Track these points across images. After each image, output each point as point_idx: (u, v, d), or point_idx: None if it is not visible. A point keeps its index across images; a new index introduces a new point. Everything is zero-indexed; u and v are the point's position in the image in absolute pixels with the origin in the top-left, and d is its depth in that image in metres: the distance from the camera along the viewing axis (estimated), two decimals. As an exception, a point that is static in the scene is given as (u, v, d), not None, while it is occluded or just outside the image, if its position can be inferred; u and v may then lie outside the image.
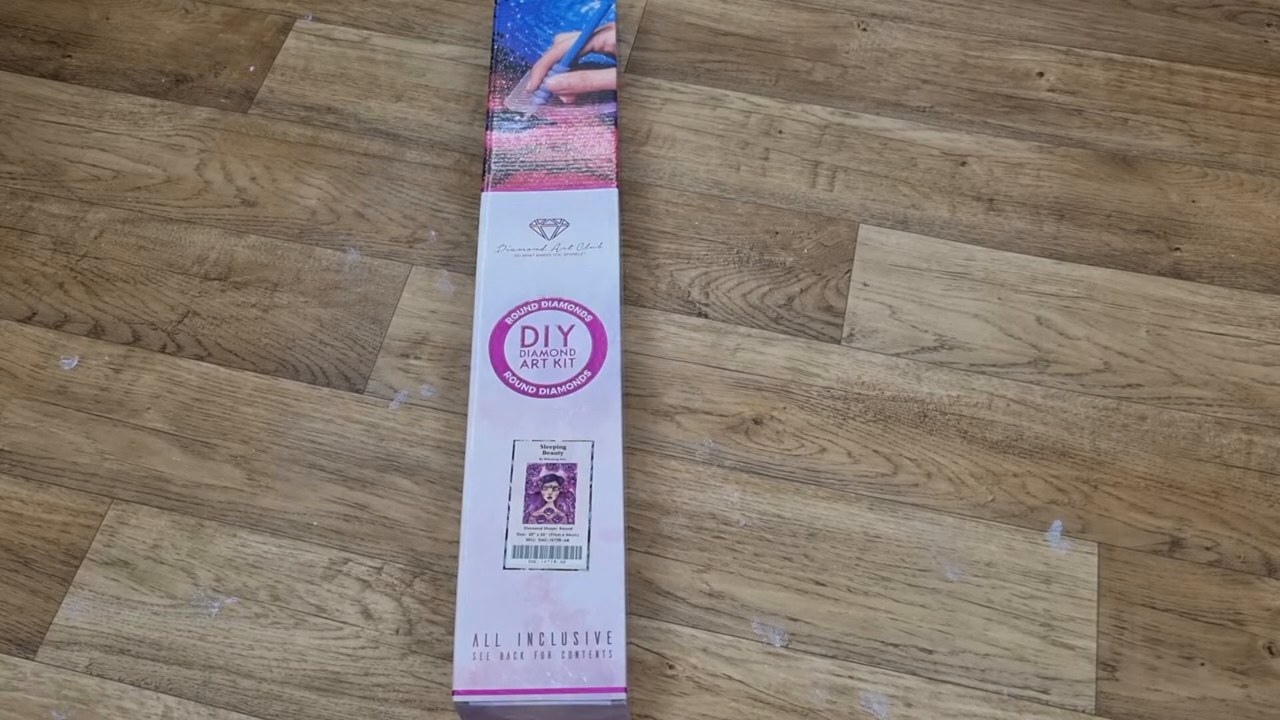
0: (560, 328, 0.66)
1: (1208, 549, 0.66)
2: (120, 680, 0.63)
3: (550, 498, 0.60)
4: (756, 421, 0.70)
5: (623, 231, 0.78)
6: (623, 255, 0.77)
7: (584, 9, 0.81)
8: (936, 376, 0.72)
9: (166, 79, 0.86)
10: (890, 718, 0.61)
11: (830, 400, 0.71)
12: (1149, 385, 0.71)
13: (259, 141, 0.83)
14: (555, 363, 0.64)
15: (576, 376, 0.64)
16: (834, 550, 0.66)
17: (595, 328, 0.66)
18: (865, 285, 0.75)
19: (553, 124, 0.75)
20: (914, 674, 0.62)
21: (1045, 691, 0.62)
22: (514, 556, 0.59)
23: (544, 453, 0.61)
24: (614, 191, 0.72)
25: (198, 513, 0.68)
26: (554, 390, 0.63)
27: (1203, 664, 0.62)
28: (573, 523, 0.60)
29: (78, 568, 0.66)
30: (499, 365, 0.64)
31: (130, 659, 0.63)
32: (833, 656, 0.63)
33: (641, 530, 0.67)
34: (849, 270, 0.76)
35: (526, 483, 0.61)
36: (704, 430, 0.70)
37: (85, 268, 0.77)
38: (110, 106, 0.85)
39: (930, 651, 0.63)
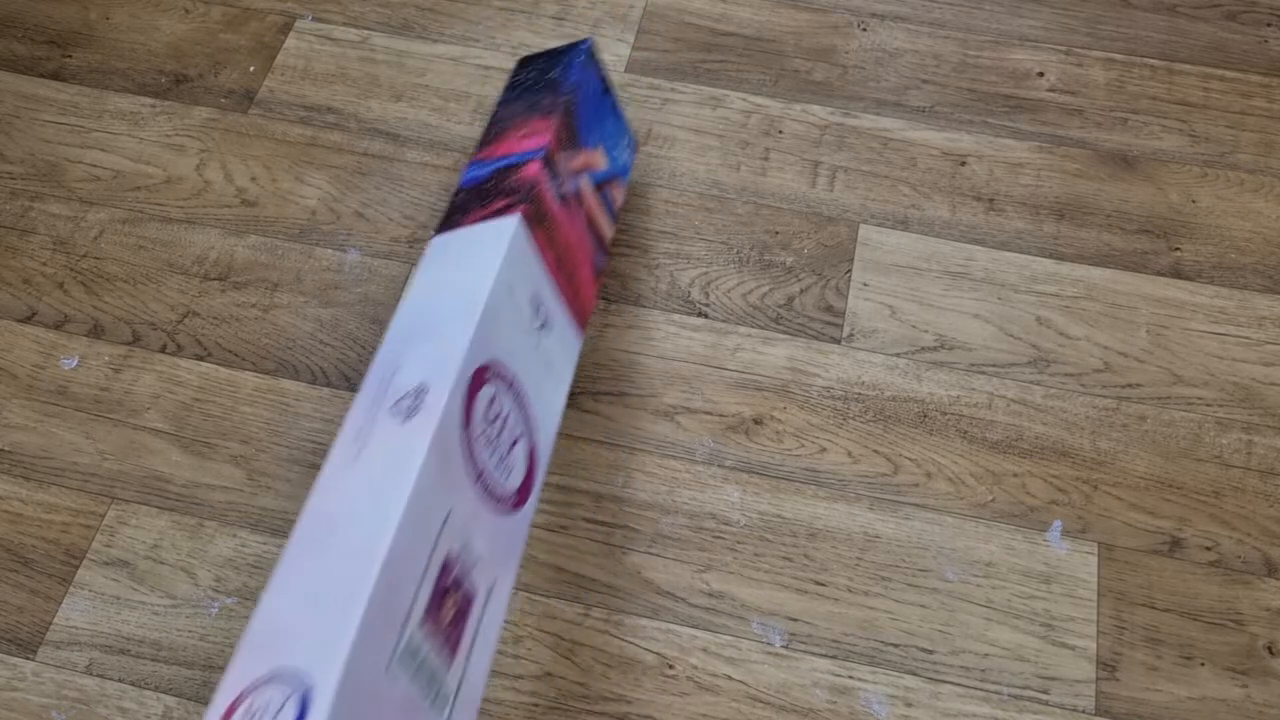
0: (510, 426, 0.52)
1: (1208, 549, 0.66)
2: (120, 680, 0.63)
3: (449, 614, 0.46)
4: (756, 421, 0.70)
5: (618, 227, 0.78)
6: (623, 255, 0.77)
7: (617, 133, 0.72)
8: (936, 376, 0.72)
9: (166, 79, 0.86)
10: (890, 718, 0.61)
11: (830, 400, 0.71)
12: (1149, 385, 0.71)
13: (259, 141, 0.83)
14: (500, 461, 0.51)
15: (507, 494, 0.51)
16: (834, 550, 0.66)
17: (533, 456, 0.53)
18: (865, 285, 0.75)
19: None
20: (914, 674, 0.62)
21: (1045, 691, 0.61)
22: (403, 658, 0.43)
23: (462, 552, 0.47)
24: (577, 342, 0.62)
25: (198, 513, 0.68)
26: (492, 492, 0.50)
27: (1203, 664, 0.62)
28: (451, 659, 0.45)
29: (78, 568, 0.66)
30: (466, 417, 0.50)
31: (130, 659, 0.63)
32: (833, 656, 0.63)
33: (641, 530, 0.67)
34: (849, 270, 0.76)
35: (440, 574, 0.45)
36: (704, 430, 0.70)
37: (85, 268, 0.77)
38: (110, 106, 0.85)
39: (930, 651, 0.63)
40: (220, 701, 0.38)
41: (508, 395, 0.52)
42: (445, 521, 0.46)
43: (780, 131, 0.82)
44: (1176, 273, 0.75)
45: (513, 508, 0.51)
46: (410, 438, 0.46)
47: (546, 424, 0.56)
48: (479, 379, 0.51)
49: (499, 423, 0.51)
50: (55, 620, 0.64)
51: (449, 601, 0.46)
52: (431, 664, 0.43)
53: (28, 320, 0.75)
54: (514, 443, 0.52)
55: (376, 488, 0.44)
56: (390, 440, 0.46)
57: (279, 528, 0.67)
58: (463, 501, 0.48)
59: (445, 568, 0.46)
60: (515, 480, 0.52)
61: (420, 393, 0.48)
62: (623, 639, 0.63)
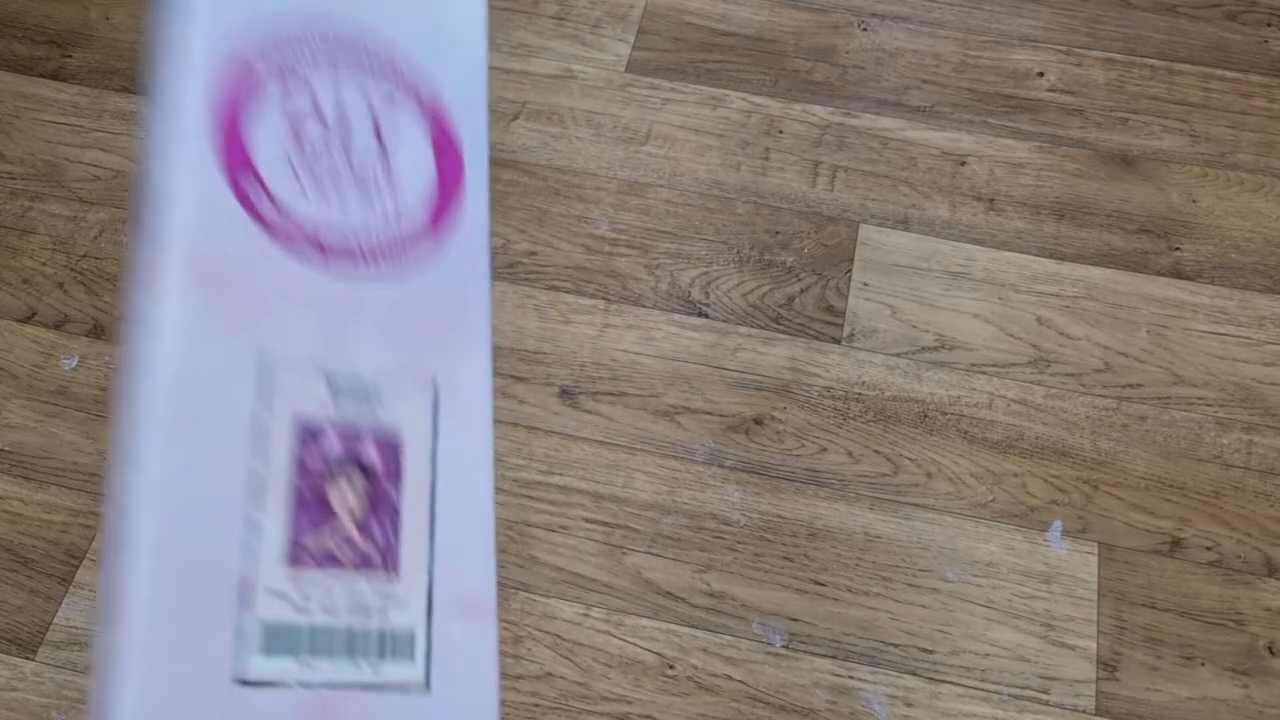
0: (371, 110, 0.31)
1: (1208, 549, 0.65)
2: (120, 680, 0.63)
3: (349, 509, 0.29)
4: (757, 421, 0.70)
5: (618, 227, 0.78)
6: (623, 255, 0.77)
7: None
8: (937, 376, 0.72)
9: (166, 79, 0.86)
10: (890, 718, 0.61)
11: (830, 400, 0.71)
12: (1149, 385, 0.71)
13: (259, 141, 0.83)
14: (357, 189, 0.31)
15: (401, 229, 0.31)
16: (834, 550, 0.66)
17: (440, 132, 0.32)
18: (865, 285, 0.75)
19: None
20: (914, 674, 0.62)
21: (1045, 691, 0.61)
22: (264, 651, 0.27)
23: (334, 397, 0.29)
24: None
25: (198, 513, 0.68)
26: (356, 250, 0.30)
27: (1203, 664, 0.62)
28: (396, 572, 0.29)
29: (78, 567, 0.66)
30: (233, 156, 0.29)
31: (130, 659, 0.63)
32: (833, 656, 0.62)
33: (641, 530, 0.67)
34: (849, 270, 0.76)
35: (297, 467, 0.28)
36: (704, 430, 0.70)
37: (85, 268, 0.77)
38: (110, 106, 0.85)
39: (930, 651, 0.63)
40: None
41: (324, 75, 0.31)
42: (258, 381, 0.28)
43: (780, 131, 0.82)
44: (1177, 273, 0.75)
45: (430, 236, 0.31)
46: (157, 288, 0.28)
47: (459, 75, 0.33)
48: (243, 80, 0.30)
49: (330, 131, 0.30)
50: (55, 620, 0.64)
51: (339, 490, 0.29)
52: (338, 617, 0.28)
53: (28, 320, 0.75)
54: (379, 131, 0.31)
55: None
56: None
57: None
58: (292, 308, 0.29)
59: (305, 449, 0.28)
60: (410, 196, 0.31)
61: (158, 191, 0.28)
62: (623, 639, 0.63)
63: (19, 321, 0.75)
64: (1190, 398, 0.71)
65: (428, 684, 0.29)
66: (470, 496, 0.31)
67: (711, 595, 0.65)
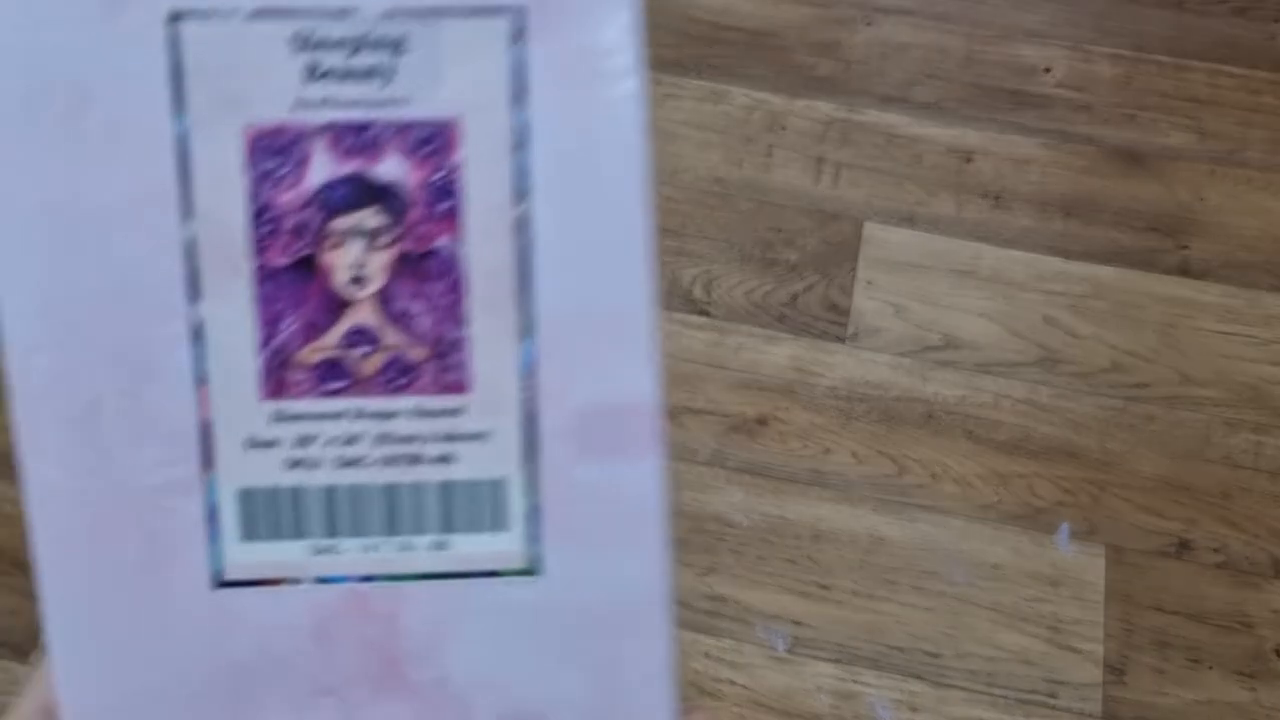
0: None
1: (1216, 551, 0.65)
2: (115, 684, 0.62)
3: (361, 281, 0.19)
4: (760, 422, 0.70)
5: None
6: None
7: None
8: (942, 376, 0.71)
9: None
10: (896, 723, 0.61)
11: (835, 400, 0.70)
12: (1157, 385, 0.71)
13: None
14: None
15: None
16: (838, 553, 0.65)
17: None
18: (870, 283, 0.75)
19: None
20: (920, 678, 0.62)
21: (1053, 695, 0.61)
22: (245, 534, 0.19)
23: (311, 75, 0.18)
24: None
25: (193, 514, 0.67)
26: None
27: (1210, 667, 0.62)
28: (462, 381, 0.19)
29: (72, 570, 0.65)
30: None
31: (125, 663, 0.63)
32: (837, 661, 0.62)
33: (643, 532, 0.66)
34: (853, 268, 0.75)
35: (259, 219, 0.18)
36: (706, 431, 0.69)
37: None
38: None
39: (936, 655, 0.62)
40: None
41: None
42: (176, 60, 0.18)
43: (783, 127, 0.81)
44: (1185, 271, 0.75)
45: None
46: None
47: None
48: None
49: None
50: (49, 623, 0.63)
51: (341, 254, 0.18)
52: (365, 453, 0.19)
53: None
54: None
55: None
56: None
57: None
58: None
59: (268, 183, 0.18)
60: None
61: None
62: (625, 643, 0.62)
63: (12, 319, 0.74)
64: (1198, 398, 0.70)
65: (536, 564, 0.19)
66: (605, 221, 0.18)
67: (714, 599, 0.64)
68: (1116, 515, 0.66)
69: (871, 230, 0.77)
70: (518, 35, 0.18)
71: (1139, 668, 0.62)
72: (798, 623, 0.63)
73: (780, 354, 0.72)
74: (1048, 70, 0.84)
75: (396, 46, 0.18)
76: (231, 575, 0.18)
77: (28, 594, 0.65)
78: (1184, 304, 0.74)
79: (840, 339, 0.73)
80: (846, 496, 0.67)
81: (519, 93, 0.18)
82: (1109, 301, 0.74)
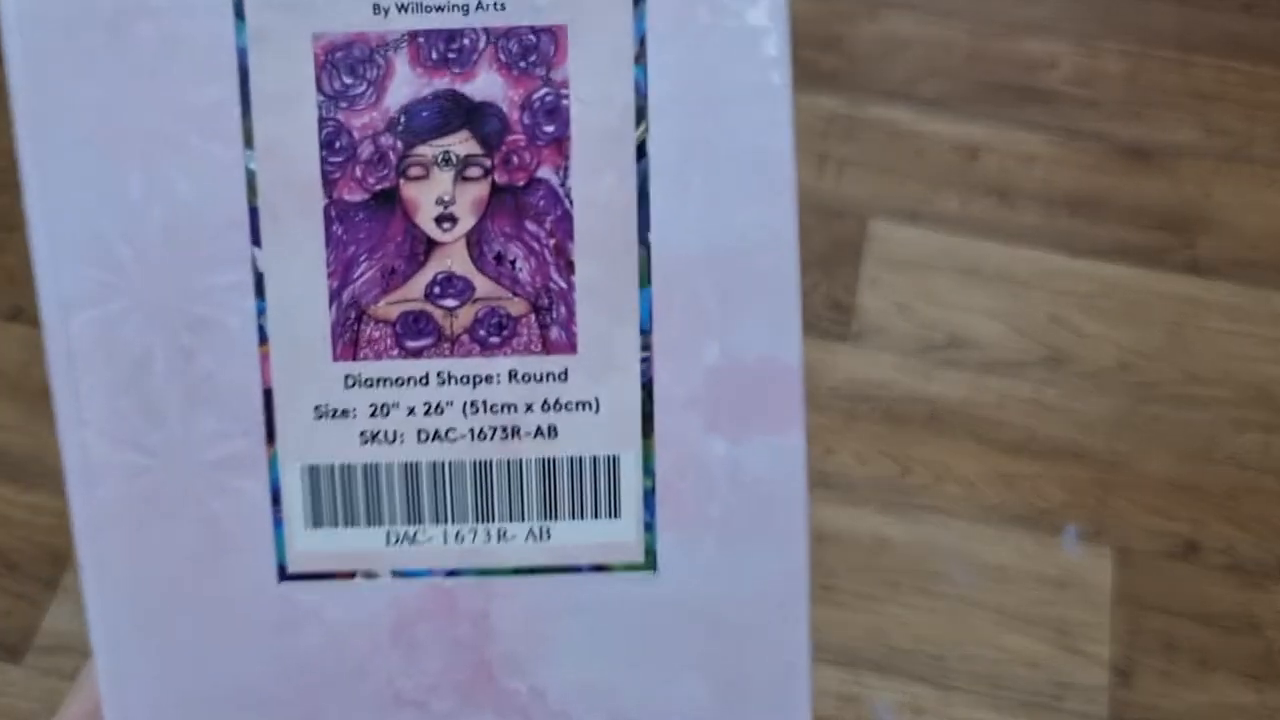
0: None
1: (1223, 552, 0.65)
2: (110, 687, 0.62)
3: (451, 220, 0.16)
4: (762, 421, 0.70)
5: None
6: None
7: None
8: (947, 376, 0.71)
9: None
10: (900, 727, 0.61)
11: (838, 400, 0.70)
12: (1165, 384, 0.71)
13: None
14: None
15: None
16: (841, 554, 0.65)
17: None
18: (874, 282, 0.74)
19: None
20: (923, 681, 0.61)
21: (1058, 698, 0.61)
22: (313, 519, 0.17)
23: None
24: None
25: (189, 514, 0.67)
26: None
27: (1218, 670, 0.61)
28: (567, 340, 0.17)
29: (65, 571, 0.65)
30: None
31: (120, 665, 0.62)
32: (840, 663, 0.62)
33: (644, 533, 0.66)
34: (857, 266, 0.75)
35: (329, 150, 0.16)
36: (708, 430, 0.69)
37: (74, 262, 0.76)
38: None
39: (940, 658, 0.62)
40: None
41: None
42: None
43: (786, 123, 0.81)
44: (1193, 269, 0.75)
45: None
46: None
47: None
48: None
49: None
50: (42, 625, 0.63)
51: (426, 187, 0.16)
52: (454, 425, 0.16)
53: (14, 319, 0.74)
54: None
55: None
56: None
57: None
58: None
59: (341, 109, 0.16)
60: None
61: None
62: (625, 646, 0.62)
63: (4, 320, 0.74)
64: (1206, 397, 0.70)
65: (653, 557, 0.17)
66: (739, 151, 0.16)
67: (716, 600, 0.64)
68: (1123, 516, 0.66)
69: (876, 228, 0.77)
70: None
71: (1145, 670, 0.62)
72: (801, 625, 0.63)
73: (783, 353, 0.72)
74: (1054, 66, 0.84)
75: None
76: (297, 567, 0.16)
77: (20, 595, 0.64)
78: (1192, 302, 0.74)
79: (844, 338, 0.72)
80: (849, 497, 0.67)
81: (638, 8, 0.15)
82: (1116, 300, 0.74)
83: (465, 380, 0.16)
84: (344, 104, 0.15)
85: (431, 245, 0.16)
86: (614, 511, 0.16)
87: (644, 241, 0.16)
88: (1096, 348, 0.72)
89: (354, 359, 0.16)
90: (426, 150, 0.15)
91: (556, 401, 0.16)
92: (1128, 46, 0.85)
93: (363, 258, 0.15)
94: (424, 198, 0.15)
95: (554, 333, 0.16)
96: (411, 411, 0.16)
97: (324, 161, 0.15)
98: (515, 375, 0.16)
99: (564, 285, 0.16)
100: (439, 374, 0.16)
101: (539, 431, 0.16)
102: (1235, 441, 0.68)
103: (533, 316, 0.16)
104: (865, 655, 0.62)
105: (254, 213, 0.15)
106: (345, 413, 0.16)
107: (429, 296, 0.16)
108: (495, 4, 0.15)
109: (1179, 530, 0.66)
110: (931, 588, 0.64)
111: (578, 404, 0.16)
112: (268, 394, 0.16)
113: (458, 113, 0.15)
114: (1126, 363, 0.72)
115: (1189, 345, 0.72)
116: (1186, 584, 0.64)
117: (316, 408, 0.16)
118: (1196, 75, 0.84)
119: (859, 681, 0.61)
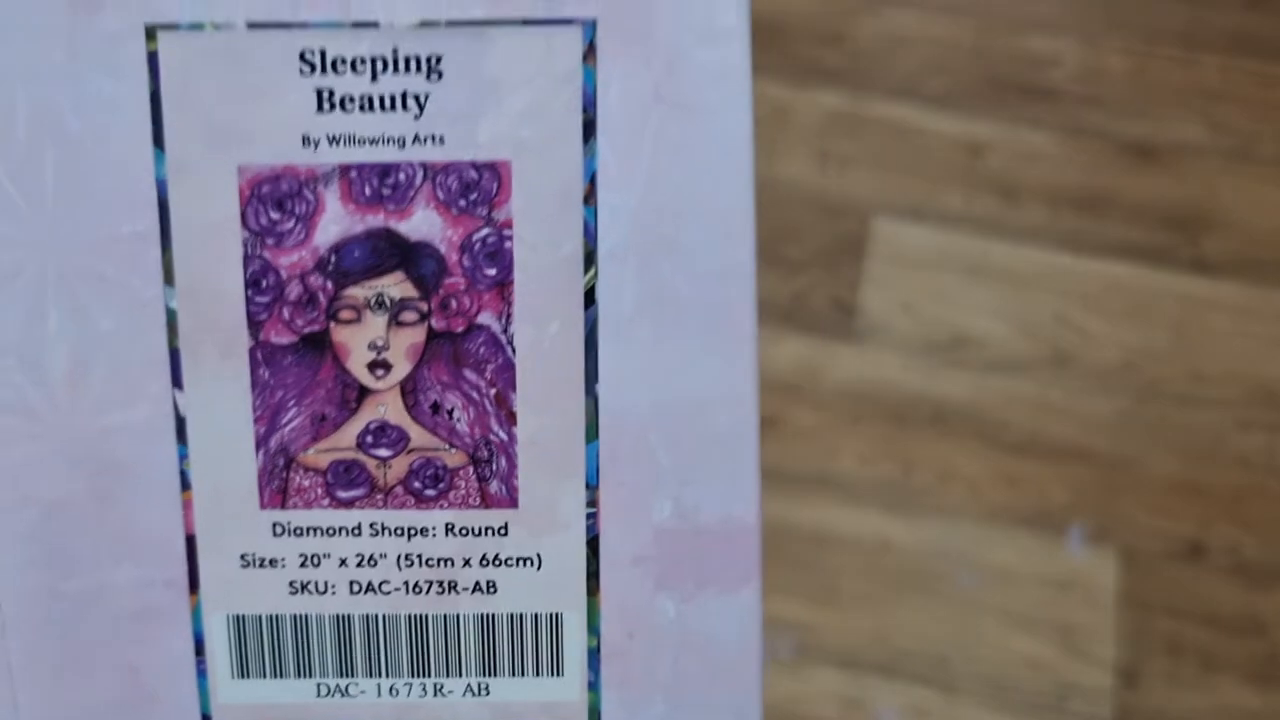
0: None
1: (1229, 553, 0.65)
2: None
3: (383, 364, 0.15)
4: (765, 422, 0.69)
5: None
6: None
7: None
8: (951, 375, 0.71)
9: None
10: (903, 730, 0.60)
11: (840, 400, 0.70)
12: (1170, 384, 0.70)
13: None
14: None
15: None
16: (845, 556, 0.65)
17: None
18: (876, 280, 0.74)
19: None
20: (928, 684, 0.61)
21: (1063, 701, 0.60)
22: (237, 670, 0.16)
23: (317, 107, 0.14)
24: None
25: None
26: None
27: (1224, 672, 0.61)
28: (507, 494, 0.16)
29: None
30: None
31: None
32: (843, 667, 0.61)
33: (646, 534, 0.66)
34: (860, 265, 0.75)
35: (254, 285, 0.15)
36: (710, 430, 0.69)
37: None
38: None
39: (944, 660, 0.62)
40: None
41: None
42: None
43: (787, 120, 0.81)
44: (1198, 268, 0.75)
45: None
46: None
47: None
48: None
49: None
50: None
51: (359, 330, 0.15)
52: (386, 576, 0.16)
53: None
54: None
55: None
56: None
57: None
58: None
59: (265, 243, 0.15)
60: None
61: None
62: (626, 648, 0.62)
63: None
64: (1212, 398, 0.70)
65: (598, 718, 0.16)
66: (695, 297, 0.15)
67: (718, 602, 0.64)
68: (1128, 517, 0.66)
69: (879, 225, 0.76)
70: (587, 54, 0.14)
71: (1151, 673, 0.61)
72: (803, 628, 0.63)
73: (784, 353, 0.72)
74: (1059, 63, 0.84)
75: (431, 68, 0.14)
76: (222, 718, 0.16)
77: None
78: (1197, 302, 0.74)
79: (846, 337, 0.72)
80: (853, 498, 0.67)
81: (589, 128, 0.14)
82: (1121, 299, 0.74)
83: (400, 532, 0.15)
84: (271, 241, 0.15)
85: (364, 392, 0.15)
86: (556, 670, 0.16)
87: (591, 393, 0.15)
88: (1101, 347, 0.72)
89: (282, 507, 0.15)
90: (359, 292, 0.15)
91: (496, 557, 0.16)
92: (1133, 44, 0.85)
93: (291, 403, 0.15)
94: (356, 342, 0.15)
95: (494, 486, 0.15)
96: (343, 562, 0.15)
97: (249, 301, 0.15)
98: (452, 529, 0.15)
99: (505, 437, 0.15)
100: (372, 525, 0.15)
101: (477, 587, 0.16)
102: (1242, 442, 0.68)
103: (471, 469, 0.15)
104: (868, 658, 0.62)
105: (175, 354, 0.15)
106: (273, 562, 0.15)
107: (361, 446, 0.15)
108: (434, 138, 0.14)
109: (1184, 531, 0.65)
110: (935, 589, 0.64)
111: (518, 560, 0.16)
112: (190, 541, 0.15)
113: (392, 253, 0.15)
114: (1131, 362, 0.71)
115: (1195, 345, 0.72)
116: (1192, 586, 0.64)
117: (243, 556, 0.15)
118: (1202, 73, 0.83)
119: (862, 685, 0.61)
